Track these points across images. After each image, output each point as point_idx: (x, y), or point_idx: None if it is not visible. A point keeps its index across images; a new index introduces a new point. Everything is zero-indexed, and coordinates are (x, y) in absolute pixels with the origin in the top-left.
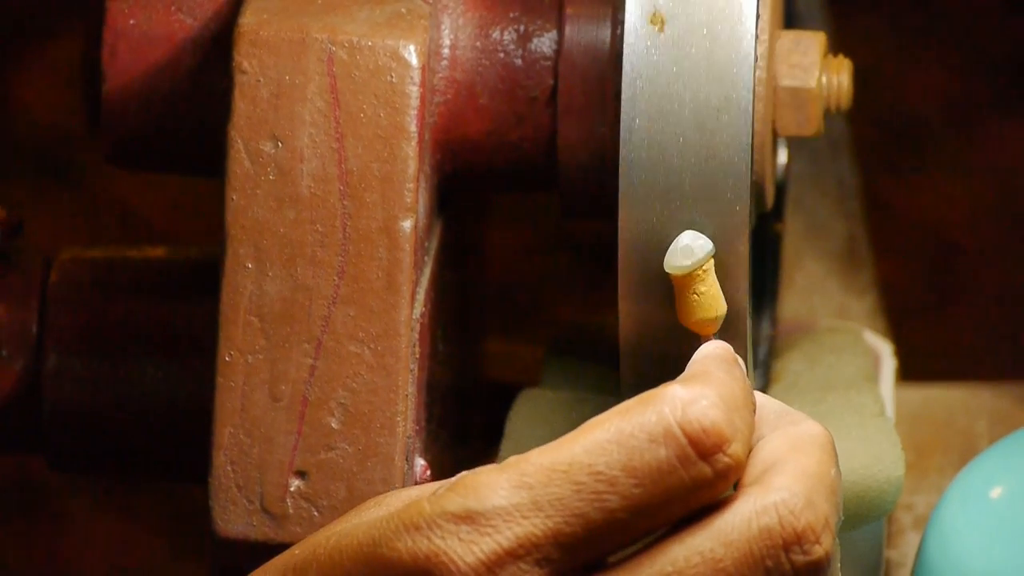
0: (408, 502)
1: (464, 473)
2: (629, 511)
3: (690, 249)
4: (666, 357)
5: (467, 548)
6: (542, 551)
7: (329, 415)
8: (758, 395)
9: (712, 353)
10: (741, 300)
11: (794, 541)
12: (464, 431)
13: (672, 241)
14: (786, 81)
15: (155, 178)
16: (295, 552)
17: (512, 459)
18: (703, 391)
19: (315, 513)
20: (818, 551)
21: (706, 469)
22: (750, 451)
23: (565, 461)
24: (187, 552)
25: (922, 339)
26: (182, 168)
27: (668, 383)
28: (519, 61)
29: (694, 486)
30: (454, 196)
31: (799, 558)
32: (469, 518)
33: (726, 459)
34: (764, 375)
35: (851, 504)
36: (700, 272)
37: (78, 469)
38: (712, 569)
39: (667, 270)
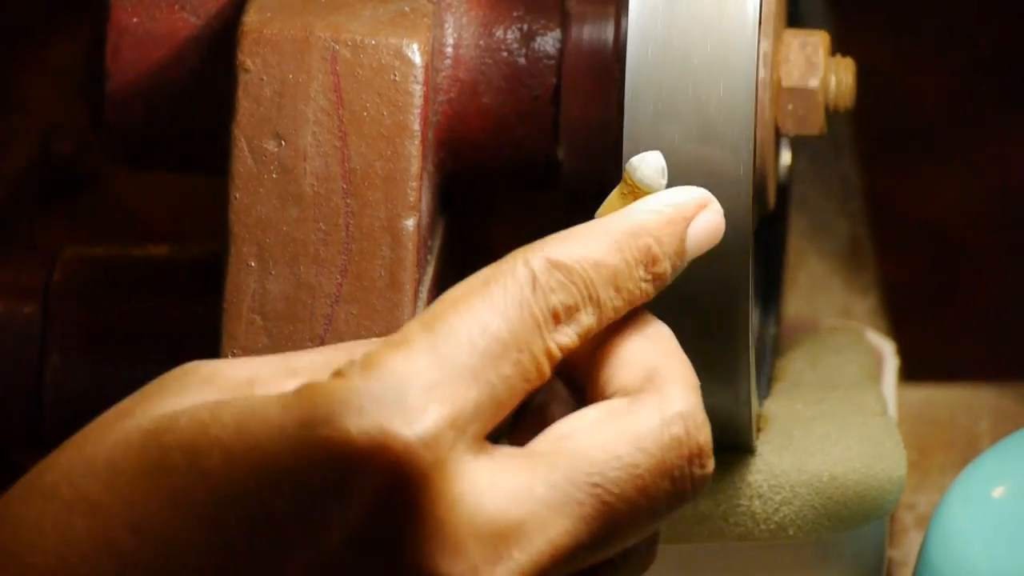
0: (312, 382)
1: (362, 355)
2: (517, 378)
3: (661, 172)
4: None
5: (412, 427)
6: (467, 421)
7: None
8: (595, 264)
9: (628, 218)
10: (744, 299)
11: (696, 454)
12: None
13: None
14: (790, 81)
15: (158, 176)
16: (142, 426)
17: (396, 337)
18: (564, 251)
19: None
20: (711, 465)
21: (564, 338)
22: (603, 323)
23: (463, 330)
24: None
25: (924, 338)
26: (185, 166)
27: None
28: (522, 60)
29: (550, 355)
30: (457, 195)
31: (698, 471)
32: (407, 394)
33: (572, 333)
34: (767, 374)
35: (853, 503)
36: (643, 194)
37: None
38: (630, 475)
39: (636, 176)
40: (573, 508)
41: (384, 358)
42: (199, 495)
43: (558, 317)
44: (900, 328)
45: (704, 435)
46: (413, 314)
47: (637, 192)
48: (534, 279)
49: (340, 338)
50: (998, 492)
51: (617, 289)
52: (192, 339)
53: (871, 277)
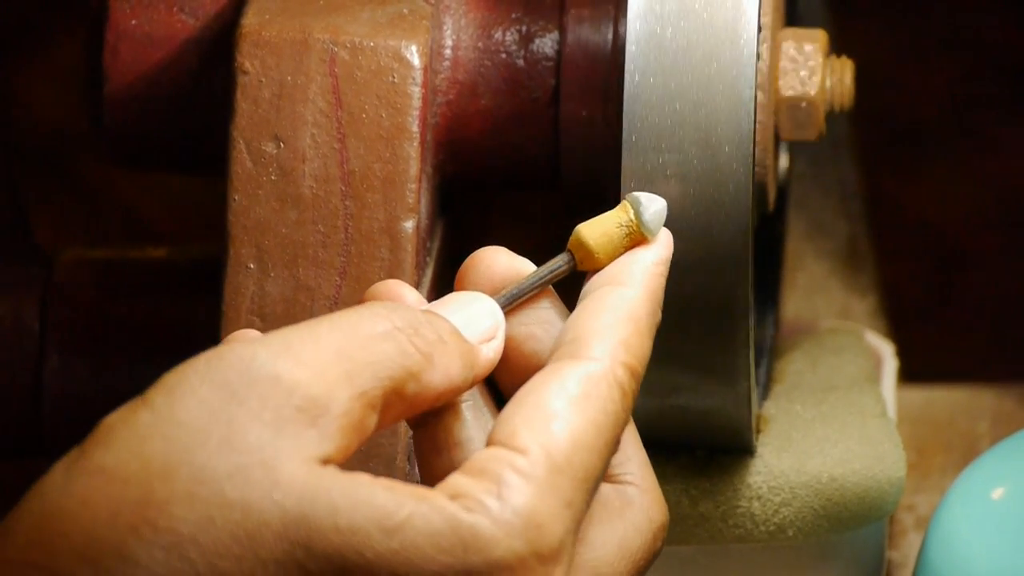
0: (470, 523)
1: (497, 485)
2: None
3: (654, 220)
4: (665, 352)
5: None
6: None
7: None
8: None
9: (651, 296)
10: (744, 301)
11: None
12: None
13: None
14: (788, 84)
15: (157, 178)
16: (279, 502)
17: (537, 466)
18: (634, 380)
19: None
20: None
21: None
22: None
23: (580, 468)
24: None
25: (924, 340)
26: (184, 168)
27: (603, 339)
28: (521, 62)
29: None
30: (456, 196)
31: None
32: (552, 558)
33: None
34: (766, 375)
35: (853, 504)
36: (638, 234)
37: None
38: None
39: (644, 218)
40: None
41: (520, 500)
42: None
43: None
44: (899, 329)
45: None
46: None
47: (634, 230)
48: (623, 396)
49: None
50: (997, 493)
51: None
52: (191, 341)
53: (870, 278)
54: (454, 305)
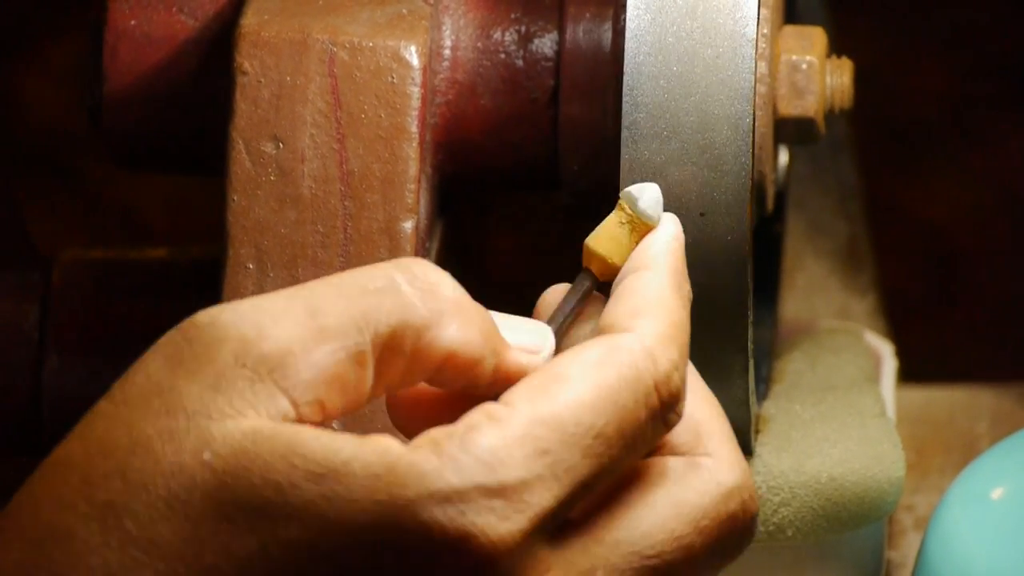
0: (410, 460)
1: (465, 429)
2: (613, 470)
3: (651, 207)
4: None
5: (504, 526)
6: (555, 518)
7: None
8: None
9: (671, 265)
10: (743, 301)
11: (749, 527)
12: None
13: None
14: (787, 71)
15: (156, 179)
16: (207, 462)
17: (504, 412)
18: (668, 343)
19: None
20: (755, 526)
21: (663, 428)
22: None
23: (571, 421)
24: None
25: (923, 340)
26: (183, 169)
27: (635, 311)
28: (520, 62)
29: (652, 441)
30: (455, 197)
31: (747, 540)
32: (501, 493)
33: (676, 417)
34: (765, 375)
35: (852, 504)
36: (642, 225)
37: None
38: (686, 555)
39: (638, 208)
40: None
41: (488, 442)
42: (278, 565)
43: (669, 405)
44: (899, 329)
45: (756, 504)
46: None
47: (636, 222)
48: (654, 366)
49: None
50: (997, 493)
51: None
52: None
53: (869, 278)
54: (508, 320)
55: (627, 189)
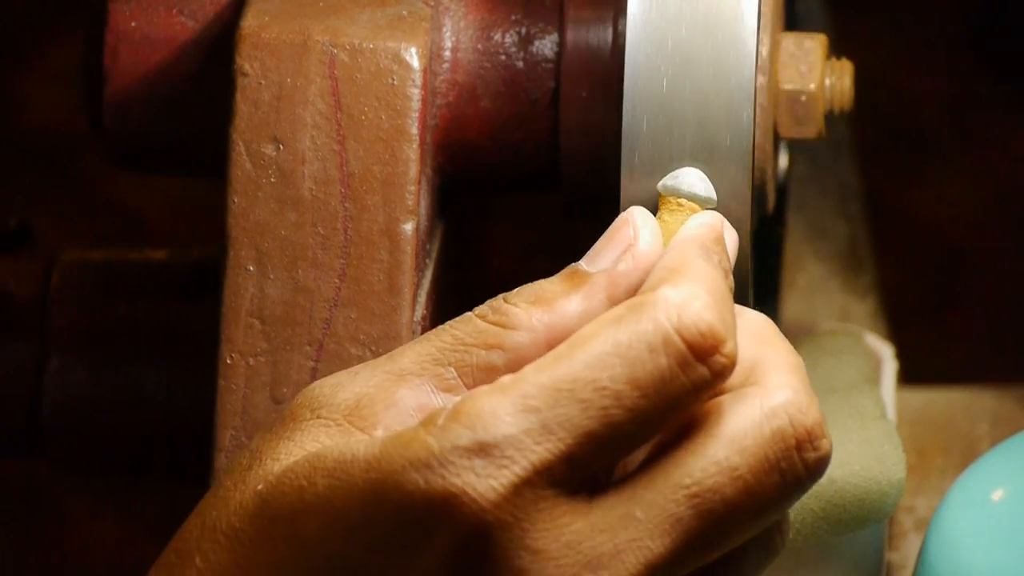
0: (399, 434)
1: (460, 400)
2: (635, 422)
3: (698, 184)
4: None
5: (485, 483)
6: (555, 473)
7: None
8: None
9: (695, 237)
10: (743, 302)
11: (806, 439)
12: None
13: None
14: (788, 85)
15: (156, 180)
16: (257, 490)
17: (506, 379)
18: (693, 291)
19: None
20: (826, 445)
21: (705, 371)
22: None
23: (567, 378)
24: None
25: (923, 341)
26: (183, 170)
27: (653, 284)
28: (521, 64)
29: (695, 389)
30: (455, 198)
31: (810, 455)
32: (482, 450)
33: (723, 359)
34: None
35: (852, 506)
36: (682, 205)
37: (80, 470)
38: (729, 478)
39: (675, 193)
40: (672, 524)
41: (473, 406)
42: (300, 563)
43: (704, 348)
44: (899, 331)
45: (811, 417)
46: (411, 318)
47: (683, 208)
48: (676, 315)
49: (339, 342)
50: (997, 495)
51: (731, 304)
52: (191, 343)
53: (870, 280)
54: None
55: (662, 181)
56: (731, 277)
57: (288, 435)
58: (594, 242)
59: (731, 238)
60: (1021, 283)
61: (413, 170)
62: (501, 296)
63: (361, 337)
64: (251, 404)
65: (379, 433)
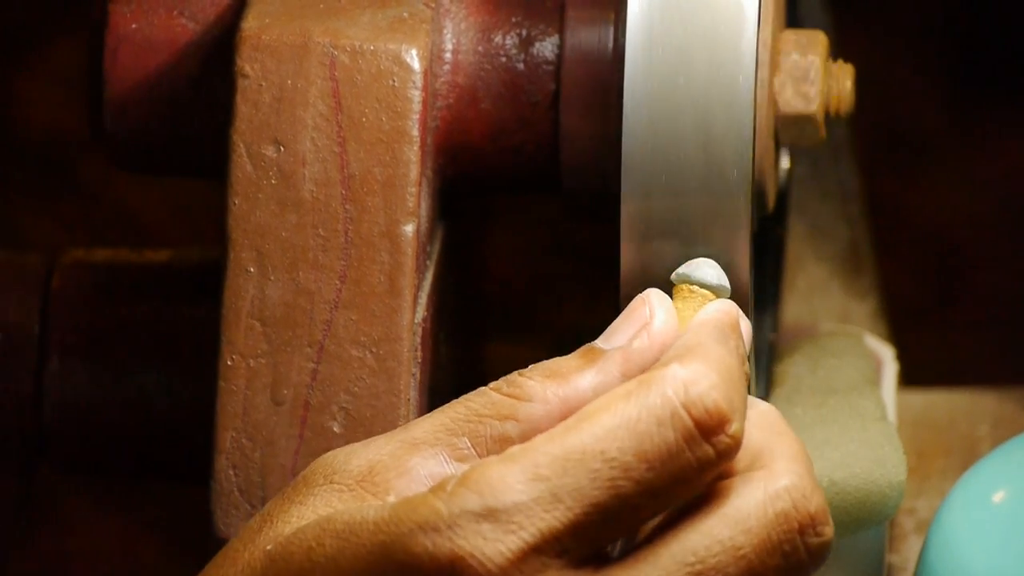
0: (408, 498)
1: (470, 467)
2: (642, 495)
3: (711, 274)
4: None
5: (493, 547)
6: (562, 542)
7: (331, 419)
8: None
9: (709, 320)
10: (744, 304)
11: (809, 524)
12: None
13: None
14: (787, 75)
15: (157, 182)
16: (266, 550)
17: (516, 449)
18: (702, 370)
19: None
20: (828, 532)
21: (710, 450)
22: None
23: (577, 449)
24: (187, 553)
25: (924, 343)
26: (184, 172)
27: (665, 361)
28: (521, 65)
29: (700, 467)
30: (456, 200)
31: (813, 540)
32: (491, 516)
33: (727, 439)
34: (765, 379)
35: (853, 508)
36: (694, 292)
37: (81, 471)
38: (733, 557)
39: (702, 280)
40: None
41: (483, 473)
42: None
43: (710, 426)
44: (899, 332)
45: (815, 504)
46: (411, 319)
47: (696, 297)
48: (684, 391)
49: (340, 344)
50: (998, 497)
51: (744, 387)
52: (192, 344)
53: (870, 281)
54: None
55: (677, 270)
56: (747, 364)
57: (300, 500)
58: (594, 242)
59: (745, 327)
60: (1021, 284)
61: (414, 172)
62: (516, 372)
63: (362, 339)
64: (252, 406)
65: (391, 499)
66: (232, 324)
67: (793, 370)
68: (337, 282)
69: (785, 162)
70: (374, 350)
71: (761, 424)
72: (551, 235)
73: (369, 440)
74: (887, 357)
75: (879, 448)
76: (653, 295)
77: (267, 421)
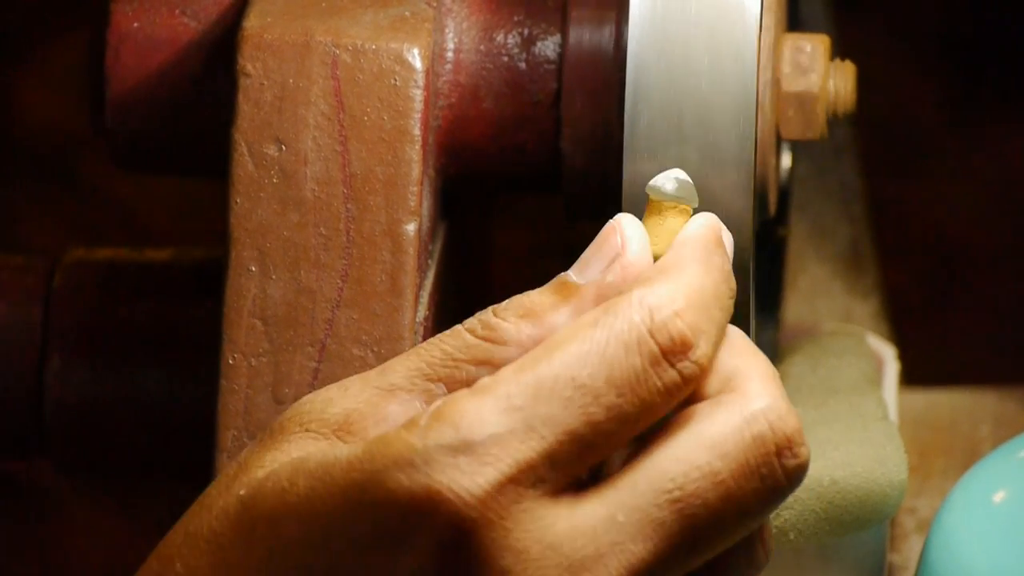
0: (381, 435)
1: (441, 402)
2: (613, 421)
3: (678, 185)
4: None
5: (470, 479)
6: (538, 472)
7: None
8: (700, 291)
9: (691, 238)
10: (745, 304)
11: (785, 446)
12: None
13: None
14: (790, 85)
15: (159, 180)
16: (239, 495)
17: (487, 380)
18: (669, 294)
19: None
20: (804, 452)
21: (675, 374)
22: (716, 349)
23: (548, 377)
24: None
25: (926, 342)
26: (186, 171)
27: (637, 283)
28: (523, 65)
29: (667, 391)
30: (458, 199)
31: (790, 462)
32: (466, 449)
33: (692, 365)
34: None
35: (854, 507)
36: (670, 207)
37: (81, 470)
38: (712, 483)
39: (661, 195)
40: (654, 528)
41: (456, 407)
42: (280, 563)
43: (674, 351)
44: (901, 332)
45: (791, 425)
46: (413, 318)
47: (671, 210)
48: (649, 317)
49: (341, 343)
50: (999, 496)
51: (721, 308)
52: (193, 343)
53: (872, 281)
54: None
55: (650, 183)
56: (732, 279)
57: (276, 446)
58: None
59: (728, 240)
60: (1022, 284)
61: (415, 171)
62: (491, 309)
63: (363, 338)
64: (253, 405)
65: None
66: (234, 323)
67: (795, 370)
68: (339, 281)
69: (787, 161)
70: (376, 349)
71: (729, 346)
72: (553, 234)
73: (345, 384)
74: (889, 357)
75: (880, 448)
76: (625, 222)
77: (268, 420)
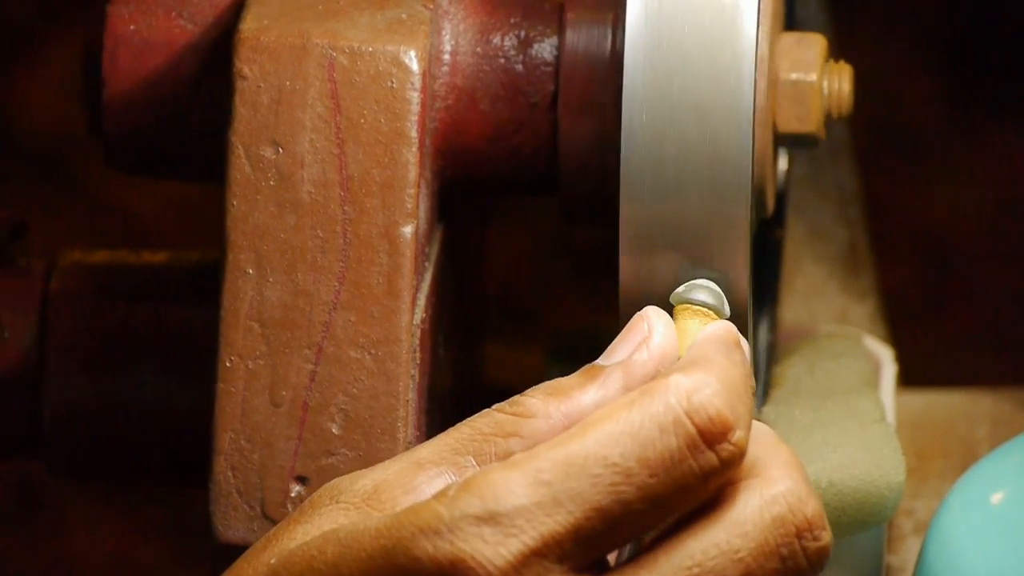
0: (411, 505)
1: (472, 474)
2: (644, 502)
3: (708, 294)
4: None
5: (494, 550)
6: (564, 547)
7: (330, 421)
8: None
9: (712, 336)
10: (742, 306)
11: (806, 528)
12: None
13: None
14: (787, 83)
15: (156, 183)
16: (270, 564)
17: (518, 456)
18: (705, 378)
19: None
20: (826, 536)
21: (713, 457)
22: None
23: (579, 454)
24: (187, 555)
25: (923, 344)
26: (183, 173)
27: (669, 372)
28: (520, 67)
29: (703, 474)
30: (455, 201)
31: (811, 544)
32: (492, 519)
33: (731, 447)
34: (764, 380)
35: (851, 509)
36: (696, 312)
37: (79, 474)
38: (731, 560)
39: (685, 300)
40: None
41: (485, 479)
42: None
43: (712, 433)
44: (898, 334)
45: (811, 508)
46: (410, 321)
47: (697, 317)
48: (686, 399)
49: (338, 345)
50: (996, 498)
51: (750, 398)
52: (189, 346)
53: (869, 283)
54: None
55: (676, 291)
56: (752, 378)
57: (307, 519)
58: (592, 242)
59: (745, 347)
60: (1020, 285)
61: (412, 173)
62: (518, 394)
63: (360, 340)
64: (250, 407)
65: None
66: (231, 325)
67: (791, 372)
68: (336, 283)
69: (783, 163)
70: (373, 351)
71: (754, 437)
72: (551, 236)
73: (374, 466)
74: (886, 358)
75: (878, 449)
76: (651, 311)
77: (266, 422)
